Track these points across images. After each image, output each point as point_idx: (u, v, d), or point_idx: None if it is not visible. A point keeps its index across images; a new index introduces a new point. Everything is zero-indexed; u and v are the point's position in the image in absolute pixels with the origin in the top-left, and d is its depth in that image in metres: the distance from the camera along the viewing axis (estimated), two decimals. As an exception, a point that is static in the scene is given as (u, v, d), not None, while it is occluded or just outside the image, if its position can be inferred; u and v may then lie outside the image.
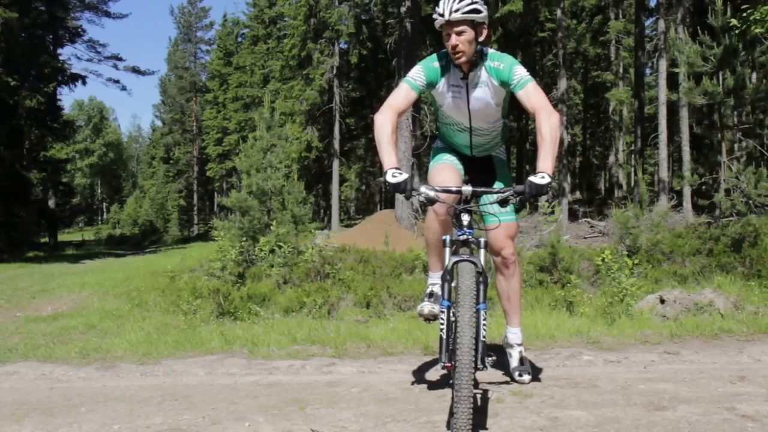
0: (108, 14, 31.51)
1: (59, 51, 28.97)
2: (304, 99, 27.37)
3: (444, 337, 2.50)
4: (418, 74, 2.98)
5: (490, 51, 3.00)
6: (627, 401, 2.92)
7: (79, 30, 29.98)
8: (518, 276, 3.31)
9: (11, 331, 6.68)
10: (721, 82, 8.57)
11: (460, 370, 2.28)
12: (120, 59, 31.25)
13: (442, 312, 2.53)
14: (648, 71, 26.91)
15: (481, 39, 2.90)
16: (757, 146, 9.88)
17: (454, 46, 2.86)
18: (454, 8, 2.78)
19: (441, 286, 2.59)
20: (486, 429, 2.61)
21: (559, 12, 20.45)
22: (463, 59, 2.90)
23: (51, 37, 28.28)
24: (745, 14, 8.68)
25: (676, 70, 12.77)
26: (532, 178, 2.59)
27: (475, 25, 2.85)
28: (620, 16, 30.55)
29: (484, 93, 3.01)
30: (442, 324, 2.52)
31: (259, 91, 38.26)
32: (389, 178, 2.61)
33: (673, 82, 17.79)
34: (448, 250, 2.67)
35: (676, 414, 2.71)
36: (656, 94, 20.27)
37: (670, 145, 21.07)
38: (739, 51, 8.57)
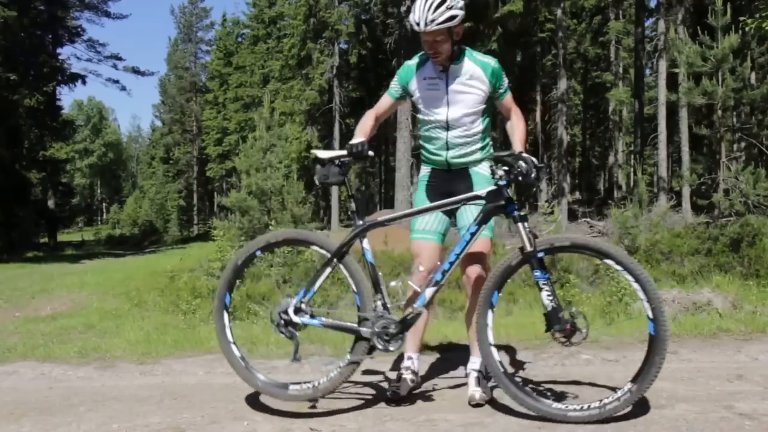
0: (108, 14, 31.57)
1: (59, 50, 29.00)
2: (304, 99, 27.38)
3: None
4: (393, 81, 3.16)
5: (470, 49, 3.07)
6: (625, 400, 2.91)
7: (79, 30, 29.98)
8: (471, 301, 3.04)
9: (10, 331, 6.70)
10: (720, 82, 8.57)
11: None
12: (120, 59, 31.30)
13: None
14: (648, 72, 26.93)
15: (458, 38, 2.94)
16: (757, 144, 9.90)
17: (432, 50, 2.94)
18: (429, 19, 2.81)
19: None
20: (484, 427, 2.61)
21: (559, 12, 20.46)
22: (441, 58, 2.96)
23: (50, 36, 28.26)
24: (758, 13, 8.71)
25: (676, 71, 12.77)
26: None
27: (452, 30, 2.88)
28: (620, 16, 30.57)
29: (466, 83, 3.00)
30: None
31: (259, 91, 38.28)
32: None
33: (672, 83, 17.81)
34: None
35: (674, 412, 2.71)
36: (656, 94, 20.30)
37: (669, 146, 21.09)
38: (741, 50, 8.59)
